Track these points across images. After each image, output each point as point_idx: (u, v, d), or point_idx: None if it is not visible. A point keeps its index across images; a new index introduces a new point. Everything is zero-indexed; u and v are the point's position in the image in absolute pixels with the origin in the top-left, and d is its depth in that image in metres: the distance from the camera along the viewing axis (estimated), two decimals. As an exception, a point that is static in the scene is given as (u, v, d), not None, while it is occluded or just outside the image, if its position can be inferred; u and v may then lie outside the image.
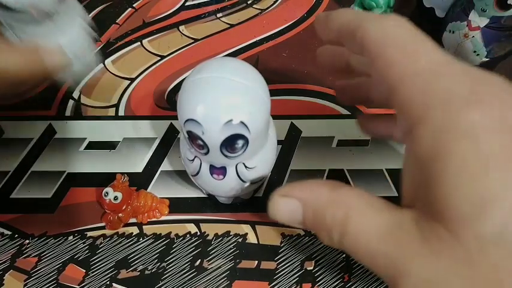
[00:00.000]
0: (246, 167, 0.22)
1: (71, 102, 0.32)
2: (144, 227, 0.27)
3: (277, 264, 0.25)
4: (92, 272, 0.25)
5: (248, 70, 0.20)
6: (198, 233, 0.26)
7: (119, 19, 0.38)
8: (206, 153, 0.20)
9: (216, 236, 0.26)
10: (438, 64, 0.15)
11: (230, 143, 0.19)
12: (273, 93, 0.21)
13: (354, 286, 0.25)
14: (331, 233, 0.16)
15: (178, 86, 0.33)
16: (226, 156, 0.20)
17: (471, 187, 0.13)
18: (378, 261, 0.15)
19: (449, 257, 0.13)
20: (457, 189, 0.13)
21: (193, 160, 0.22)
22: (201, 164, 0.22)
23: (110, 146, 0.30)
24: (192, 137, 0.20)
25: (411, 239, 0.14)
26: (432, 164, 0.14)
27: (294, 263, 0.25)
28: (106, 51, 0.36)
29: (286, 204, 0.17)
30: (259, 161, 0.22)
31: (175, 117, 0.31)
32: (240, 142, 0.20)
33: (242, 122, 0.19)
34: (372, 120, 0.23)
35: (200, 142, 0.19)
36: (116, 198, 0.25)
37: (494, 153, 0.13)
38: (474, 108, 0.13)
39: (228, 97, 0.19)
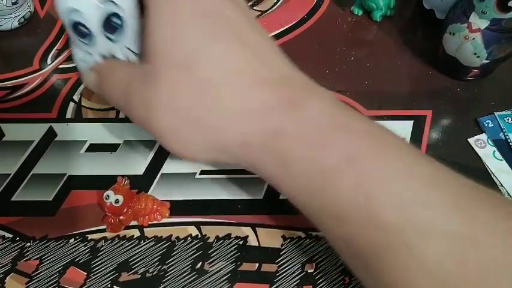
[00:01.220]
0: (132, 52, 0.23)
1: (71, 105, 0.32)
2: (145, 229, 0.27)
3: (278, 267, 0.25)
4: (93, 275, 0.25)
5: None
6: (199, 236, 0.26)
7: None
8: (92, 42, 0.22)
9: (217, 238, 0.26)
10: None
11: (108, 24, 0.22)
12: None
13: (354, 288, 0.25)
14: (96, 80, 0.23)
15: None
16: (110, 39, 0.22)
17: (164, 31, 0.19)
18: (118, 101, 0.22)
19: (150, 82, 0.20)
20: (156, 34, 0.19)
21: (86, 60, 0.24)
22: (94, 60, 0.24)
23: (111, 148, 0.30)
24: (76, 28, 0.22)
25: (136, 78, 0.21)
26: (144, 23, 0.20)
27: (294, 265, 0.25)
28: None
29: (91, 75, 0.24)
30: None
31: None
32: (117, 21, 0.22)
33: (111, 1, 0.21)
34: None
35: (84, 30, 0.22)
36: (116, 201, 0.25)
37: (186, 9, 0.19)
38: None
39: None
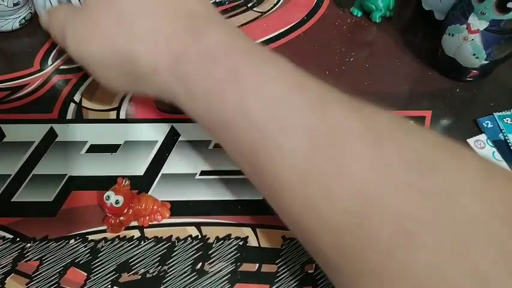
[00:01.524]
0: None
1: (72, 106, 0.32)
2: (145, 230, 0.27)
3: (278, 267, 0.25)
4: (94, 276, 0.25)
5: None
6: (199, 236, 0.26)
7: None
8: None
9: (217, 239, 0.26)
10: None
11: None
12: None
13: (354, 289, 0.25)
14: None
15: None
16: None
17: None
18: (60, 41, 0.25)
19: (80, 16, 0.24)
20: None
21: (45, 5, 0.28)
22: (51, 5, 0.28)
23: (111, 149, 0.30)
24: None
25: (72, 14, 0.25)
26: None
27: (294, 266, 0.25)
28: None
29: (45, 16, 0.27)
30: None
31: (177, 120, 0.31)
32: None
33: None
34: None
35: None
36: (117, 202, 0.25)
37: None
38: None
39: None
